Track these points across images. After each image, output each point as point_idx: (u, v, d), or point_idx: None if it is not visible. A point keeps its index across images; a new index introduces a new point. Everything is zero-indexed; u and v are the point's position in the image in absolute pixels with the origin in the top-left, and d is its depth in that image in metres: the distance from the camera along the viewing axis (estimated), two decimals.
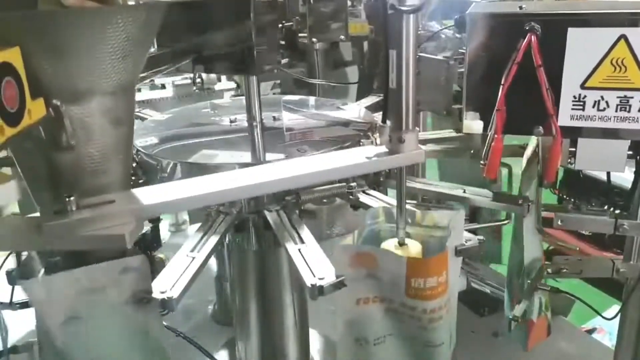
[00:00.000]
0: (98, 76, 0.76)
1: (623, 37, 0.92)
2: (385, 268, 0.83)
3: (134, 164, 1.16)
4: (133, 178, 1.14)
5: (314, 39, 2.22)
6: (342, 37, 2.21)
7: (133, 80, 0.84)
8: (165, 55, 1.21)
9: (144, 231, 1.68)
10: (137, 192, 0.79)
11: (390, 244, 0.88)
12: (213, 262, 1.80)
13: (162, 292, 0.78)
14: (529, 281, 1.07)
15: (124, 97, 0.81)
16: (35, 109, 0.69)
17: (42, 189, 0.82)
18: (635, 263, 1.05)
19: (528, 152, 1.15)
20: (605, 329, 2.30)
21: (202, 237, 0.95)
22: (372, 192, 1.11)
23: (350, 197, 1.06)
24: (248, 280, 1.31)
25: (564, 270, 1.06)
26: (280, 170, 0.83)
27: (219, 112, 1.52)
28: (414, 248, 0.87)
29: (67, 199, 0.72)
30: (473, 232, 0.94)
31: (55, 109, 0.73)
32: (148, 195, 0.77)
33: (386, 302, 0.87)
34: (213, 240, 0.93)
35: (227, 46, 1.11)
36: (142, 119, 1.52)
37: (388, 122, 0.83)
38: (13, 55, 0.65)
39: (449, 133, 1.31)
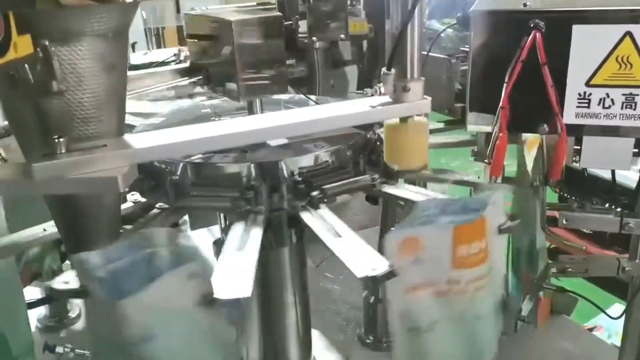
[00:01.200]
0: (88, 16, 0.73)
1: (628, 34, 0.91)
2: (431, 246, 0.82)
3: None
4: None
5: (314, 38, 2.22)
6: (342, 36, 2.21)
7: (125, 25, 0.81)
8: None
9: None
10: (131, 137, 0.77)
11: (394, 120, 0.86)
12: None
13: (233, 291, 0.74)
14: (535, 280, 1.07)
15: (115, 41, 0.78)
16: (22, 44, 0.67)
17: (31, 136, 0.79)
18: None
19: (532, 149, 1.15)
20: (604, 326, 2.30)
21: (243, 235, 0.92)
22: (398, 184, 1.09)
23: (374, 188, 1.04)
24: None
25: (569, 270, 1.06)
26: (286, 119, 0.81)
27: (219, 112, 1.51)
28: (420, 119, 0.85)
29: (56, 141, 0.70)
30: None
31: (43, 49, 0.69)
32: (142, 140, 0.76)
33: (434, 286, 0.86)
34: (256, 236, 0.90)
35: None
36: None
37: (393, 70, 0.81)
38: None
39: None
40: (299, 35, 2.31)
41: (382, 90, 0.83)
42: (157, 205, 1.08)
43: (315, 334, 1.53)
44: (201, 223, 1.29)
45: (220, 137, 0.77)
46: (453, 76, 1.35)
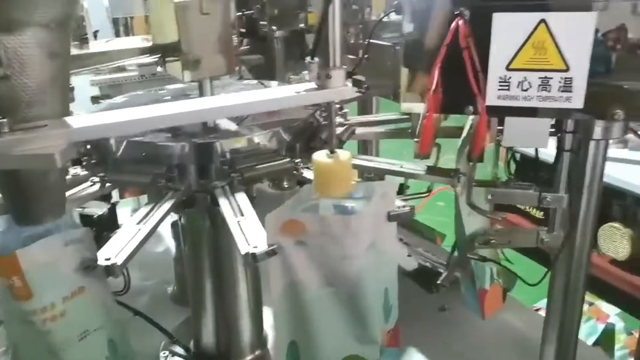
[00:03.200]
0: (32, 7, 0.79)
1: (543, 21, 0.99)
2: (315, 232, 0.88)
3: (87, 147, 1.19)
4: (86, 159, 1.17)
5: (274, 27, 2.27)
6: (302, 25, 2.26)
7: (68, 15, 0.86)
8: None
9: (100, 212, 1.73)
10: (71, 118, 0.84)
11: (321, 154, 0.93)
12: (172, 244, 1.84)
13: (107, 259, 0.82)
14: (458, 251, 1.14)
15: (58, 31, 0.84)
16: None
17: None
18: (558, 233, 1.13)
19: (464, 131, 1.22)
20: None
21: (149, 211, 0.99)
22: None
23: (295, 172, 1.11)
24: (201, 257, 1.35)
25: (493, 241, 1.14)
26: (214, 101, 0.87)
27: (175, 98, 1.55)
28: (344, 155, 0.92)
29: (0, 121, 0.76)
30: None
31: None
32: (80, 120, 0.82)
33: (319, 269, 0.92)
34: (160, 213, 0.98)
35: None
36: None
37: (316, 59, 0.88)
38: None
39: (392, 116, 1.37)
40: (260, 24, 2.36)
41: (307, 77, 0.90)
42: (90, 179, 1.15)
43: (266, 310, 1.59)
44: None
45: (149, 119, 0.83)
46: (397, 62, 1.42)
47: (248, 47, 2.37)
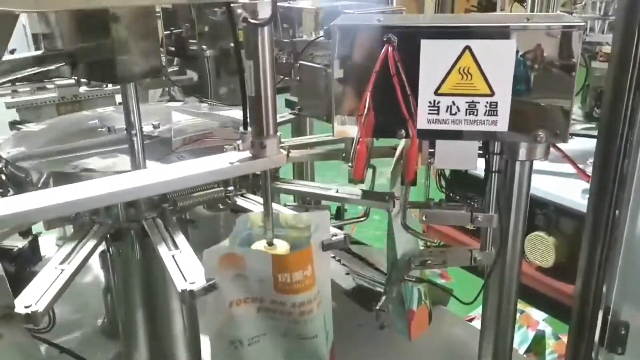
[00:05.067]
0: None
1: (468, 48, 1.02)
2: (253, 267, 0.87)
3: (3, 177, 1.12)
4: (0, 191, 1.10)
5: (204, 46, 2.23)
6: (232, 44, 2.24)
7: None
8: (42, 58, 1.19)
9: (20, 246, 1.63)
10: None
11: (259, 245, 0.92)
12: (101, 273, 1.76)
13: (27, 307, 0.76)
14: (394, 273, 1.16)
15: None
16: None
17: None
18: (490, 251, 1.16)
19: (397, 153, 1.24)
20: None
21: (73, 248, 0.94)
22: (251, 196, 1.14)
23: (228, 201, 1.09)
24: (133, 289, 1.30)
25: (429, 262, 1.16)
26: (139, 177, 0.84)
27: (101, 122, 1.49)
28: (282, 247, 0.91)
29: None
30: (339, 228, 1.01)
31: None
32: None
33: (258, 302, 0.91)
34: (85, 251, 0.93)
35: (95, 54, 1.10)
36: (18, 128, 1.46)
37: (249, 129, 0.87)
38: None
39: (326, 137, 1.38)
40: (190, 42, 2.32)
41: (241, 147, 0.89)
42: None
43: (206, 339, 1.54)
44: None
45: (65, 203, 0.76)
46: (330, 85, 1.43)
47: (177, 66, 2.33)
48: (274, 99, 0.86)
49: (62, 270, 0.86)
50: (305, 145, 1.42)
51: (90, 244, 0.95)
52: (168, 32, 2.26)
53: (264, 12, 0.77)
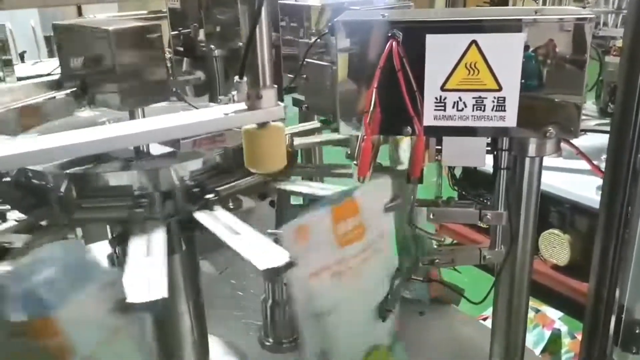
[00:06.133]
0: None
1: (474, 42, 1.00)
2: (318, 231, 0.87)
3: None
4: None
5: (212, 46, 2.23)
6: (241, 44, 2.23)
7: None
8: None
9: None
10: None
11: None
12: None
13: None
14: (401, 273, 1.14)
15: None
16: None
17: None
18: (500, 250, 1.14)
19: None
20: None
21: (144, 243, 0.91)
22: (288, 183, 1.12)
23: (268, 186, 1.07)
24: None
25: (437, 261, 1.14)
26: (137, 126, 0.82)
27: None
28: (276, 124, 0.90)
29: None
30: None
31: None
32: None
33: (329, 268, 0.91)
34: (159, 239, 0.90)
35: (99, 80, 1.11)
36: None
37: (245, 78, 0.85)
38: None
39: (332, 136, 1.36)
40: (199, 42, 2.32)
41: (236, 98, 0.86)
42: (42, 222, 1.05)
43: (214, 340, 1.54)
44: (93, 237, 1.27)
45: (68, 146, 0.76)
46: (335, 82, 1.41)
47: (186, 66, 2.33)
48: (270, 48, 0.84)
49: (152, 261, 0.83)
50: (311, 132, 1.40)
51: (158, 234, 0.93)
52: (176, 32, 2.26)
53: None
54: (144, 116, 1.22)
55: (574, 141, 1.08)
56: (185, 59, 2.41)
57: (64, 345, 0.77)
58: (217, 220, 0.97)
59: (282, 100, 1.90)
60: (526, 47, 0.98)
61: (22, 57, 2.38)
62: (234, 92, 0.86)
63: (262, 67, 0.82)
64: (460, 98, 1.03)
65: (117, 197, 1.02)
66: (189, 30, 2.32)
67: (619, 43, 2.48)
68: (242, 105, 0.84)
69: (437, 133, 1.06)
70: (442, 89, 1.03)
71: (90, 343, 0.81)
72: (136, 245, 0.91)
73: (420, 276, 1.24)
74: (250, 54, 0.82)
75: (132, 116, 1.22)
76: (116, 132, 0.81)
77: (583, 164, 1.23)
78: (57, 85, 1.18)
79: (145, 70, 1.16)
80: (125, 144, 0.91)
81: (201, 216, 0.99)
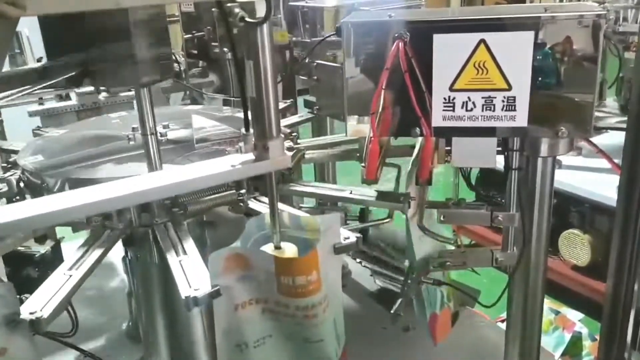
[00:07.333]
0: None
1: (483, 41, 0.98)
2: (257, 267, 0.85)
3: (21, 184, 1.13)
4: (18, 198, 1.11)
5: (225, 49, 2.23)
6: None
7: None
8: (54, 68, 1.19)
9: (43, 252, 1.65)
10: None
11: (267, 248, 0.90)
12: (125, 278, 1.78)
13: (32, 313, 0.76)
14: (413, 275, 1.12)
15: None
16: None
17: None
18: (512, 252, 1.12)
19: (415, 152, 1.20)
20: None
21: (83, 254, 0.94)
22: (264, 198, 1.13)
23: (241, 204, 1.08)
24: (152, 293, 1.30)
25: (448, 263, 1.12)
26: (134, 184, 0.82)
27: (119, 126, 1.50)
28: (290, 250, 0.89)
29: None
30: (359, 231, 0.98)
31: None
32: None
33: (262, 302, 0.89)
34: (94, 256, 0.93)
35: (107, 60, 1.09)
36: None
37: (251, 130, 0.84)
38: None
39: (341, 137, 1.35)
40: (212, 45, 2.32)
41: (243, 149, 0.86)
42: None
43: None
44: None
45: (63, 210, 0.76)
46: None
47: (200, 68, 2.33)
48: (276, 99, 0.84)
49: (70, 276, 0.86)
50: (321, 146, 1.39)
51: (99, 250, 0.95)
52: (190, 35, 2.26)
53: (261, 11, 0.75)
54: (151, 98, 1.19)
55: (594, 139, 1.06)
56: (200, 62, 2.42)
57: None
58: (173, 236, 1.00)
59: (295, 101, 1.90)
60: (535, 45, 0.96)
61: (39, 62, 2.40)
62: (241, 144, 0.86)
63: (269, 118, 0.82)
64: (469, 98, 1.01)
65: None
66: (202, 33, 2.33)
67: None
68: (249, 156, 0.84)
69: (446, 134, 1.04)
70: (451, 89, 1.01)
71: None
72: (73, 256, 0.94)
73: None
74: (258, 106, 0.82)
75: (138, 97, 1.19)
76: (125, 189, 0.79)
77: (603, 163, 1.20)
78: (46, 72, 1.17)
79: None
80: (134, 201, 0.91)
81: (160, 229, 1.01)
